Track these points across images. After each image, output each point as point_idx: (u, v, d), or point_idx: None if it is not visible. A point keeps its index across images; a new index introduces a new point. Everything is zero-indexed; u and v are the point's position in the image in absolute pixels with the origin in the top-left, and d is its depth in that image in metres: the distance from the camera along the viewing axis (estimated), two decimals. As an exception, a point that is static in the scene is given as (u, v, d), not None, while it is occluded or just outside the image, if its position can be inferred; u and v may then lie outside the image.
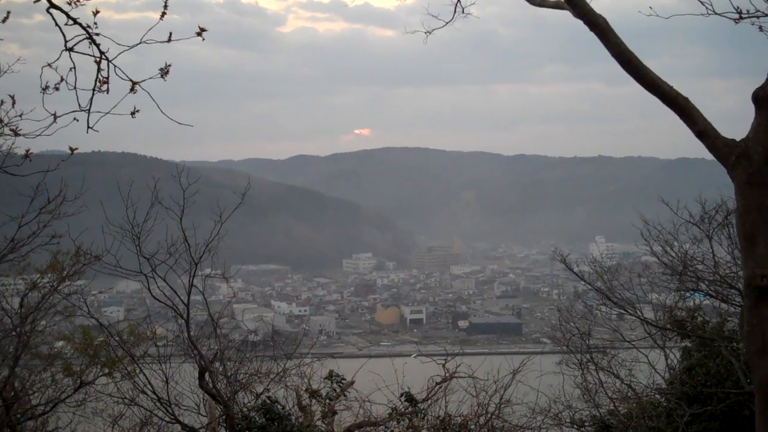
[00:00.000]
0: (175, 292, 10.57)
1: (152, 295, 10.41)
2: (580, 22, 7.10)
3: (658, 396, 14.70)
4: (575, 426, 14.53)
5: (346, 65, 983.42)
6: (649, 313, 15.98)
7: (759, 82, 6.58)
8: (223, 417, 10.76)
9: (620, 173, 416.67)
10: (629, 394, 14.74)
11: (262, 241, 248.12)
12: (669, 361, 15.37)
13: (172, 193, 10.75)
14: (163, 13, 6.03)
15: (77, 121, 6.19)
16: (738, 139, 6.71)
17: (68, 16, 5.96)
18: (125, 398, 11.69)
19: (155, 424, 12.03)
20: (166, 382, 11.03)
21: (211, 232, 10.56)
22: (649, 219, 15.82)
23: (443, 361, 12.32)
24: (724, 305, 14.75)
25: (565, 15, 7.38)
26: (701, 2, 7.29)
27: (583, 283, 16.36)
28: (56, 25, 5.97)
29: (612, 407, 14.45)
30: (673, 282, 15.43)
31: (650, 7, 7.77)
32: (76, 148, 6.65)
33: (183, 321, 10.55)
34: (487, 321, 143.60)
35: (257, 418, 10.77)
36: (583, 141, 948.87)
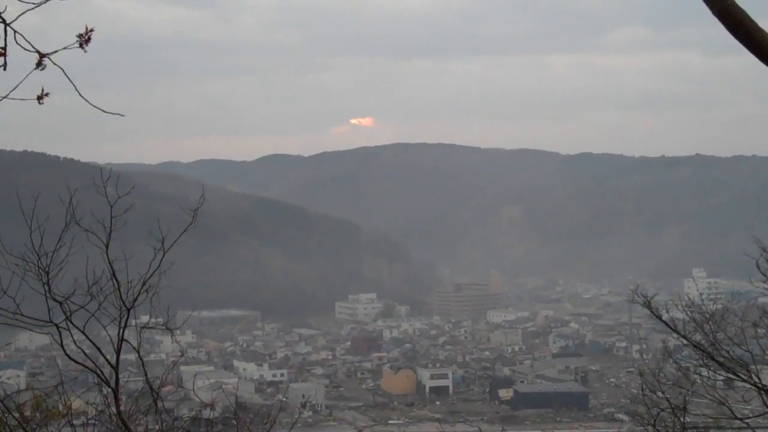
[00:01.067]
0: (99, 350, 10.58)
1: (66, 353, 10.42)
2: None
3: None
4: None
5: (338, 29, 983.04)
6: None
7: None
8: None
9: (727, 179, 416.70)
10: None
11: (221, 277, 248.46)
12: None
13: (94, 208, 10.76)
14: None
15: None
16: None
17: None
18: None
19: None
20: None
21: (150, 263, 10.57)
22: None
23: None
24: None
25: None
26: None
27: (675, 336, 16.33)
28: None
29: None
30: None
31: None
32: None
33: (110, 390, 10.55)
34: (540, 389, 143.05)
35: None
36: (675, 134, 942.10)
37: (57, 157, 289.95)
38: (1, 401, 11.46)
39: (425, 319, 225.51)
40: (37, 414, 12.50)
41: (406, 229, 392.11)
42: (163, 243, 10.61)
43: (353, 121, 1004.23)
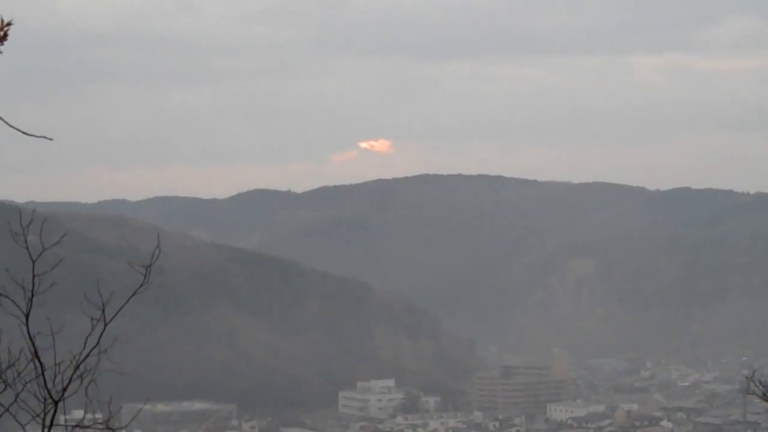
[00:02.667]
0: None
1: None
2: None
3: None
4: None
5: (343, 22, 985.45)
6: None
7: None
8: None
9: None
10: None
11: (182, 357, 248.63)
12: None
13: (10, 263, 10.84)
14: None
15: None
16: None
17: None
18: None
19: None
20: None
21: (86, 340, 10.62)
22: None
23: None
24: None
25: None
26: None
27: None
28: None
29: None
30: None
31: None
32: None
33: None
34: None
35: None
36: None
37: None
38: None
39: (462, 416, 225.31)
40: None
41: (436, 291, 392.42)
42: (103, 311, 10.68)
43: (363, 144, 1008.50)
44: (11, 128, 6.58)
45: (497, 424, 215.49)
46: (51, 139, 7.07)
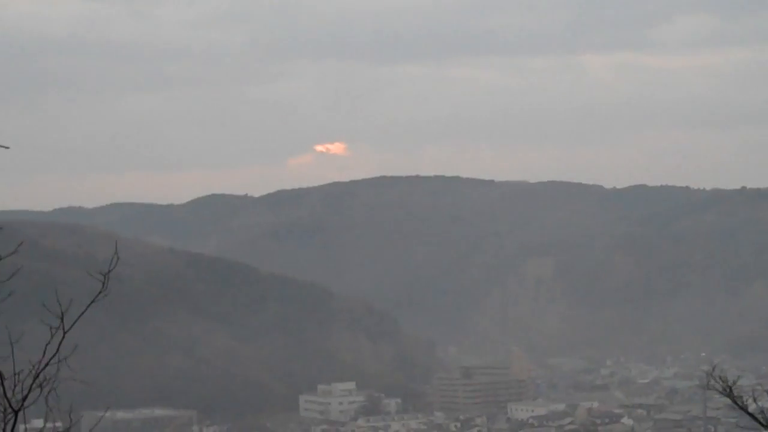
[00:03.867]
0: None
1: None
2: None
3: None
4: None
5: (297, 25, 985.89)
6: None
7: None
8: None
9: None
10: None
11: (142, 365, 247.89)
12: None
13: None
14: None
15: None
16: None
17: None
18: None
19: None
20: None
21: (45, 348, 10.58)
22: None
23: None
24: None
25: None
26: None
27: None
28: None
29: None
30: None
31: None
32: None
33: None
34: None
35: None
36: (758, 160, 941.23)
37: None
38: None
39: (423, 417, 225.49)
40: None
41: (395, 293, 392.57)
42: (62, 319, 10.63)
43: (319, 147, 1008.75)
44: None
45: (458, 424, 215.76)
46: (7, 148, 7.01)
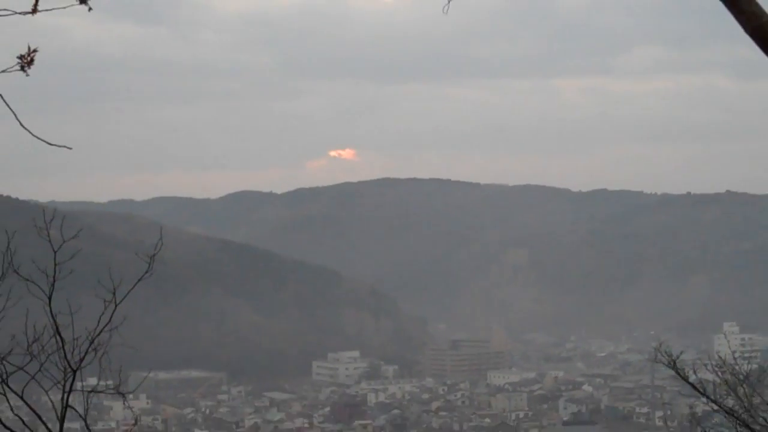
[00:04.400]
0: (40, 418, 10.58)
1: (1, 422, 10.40)
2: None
3: None
4: None
5: (316, 49, 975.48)
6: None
7: None
8: None
9: (763, 219, 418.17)
10: None
11: (180, 333, 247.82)
12: None
13: (35, 254, 10.78)
14: None
15: None
16: None
17: None
18: None
19: None
20: None
21: (100, 318, 10.57)
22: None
23: None
24: None
25: None
26: None
27: (704, 400, 16.34)
28: None
29: None
30: None
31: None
32: None
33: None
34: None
35: None
36: (700, 169, 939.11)
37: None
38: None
39: (416, 381, 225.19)
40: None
41: (395, 278, 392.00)
42: (114, 294, 10.63)
43: (332, 153, 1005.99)
44: (37, 138, 6.50)
45: (446, 388, 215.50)
46: (70, 149, 6.99)
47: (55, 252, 10.50)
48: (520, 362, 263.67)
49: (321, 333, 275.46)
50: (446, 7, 8.51)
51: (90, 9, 6.21)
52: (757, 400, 16.01)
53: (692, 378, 16.51)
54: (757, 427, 15.41)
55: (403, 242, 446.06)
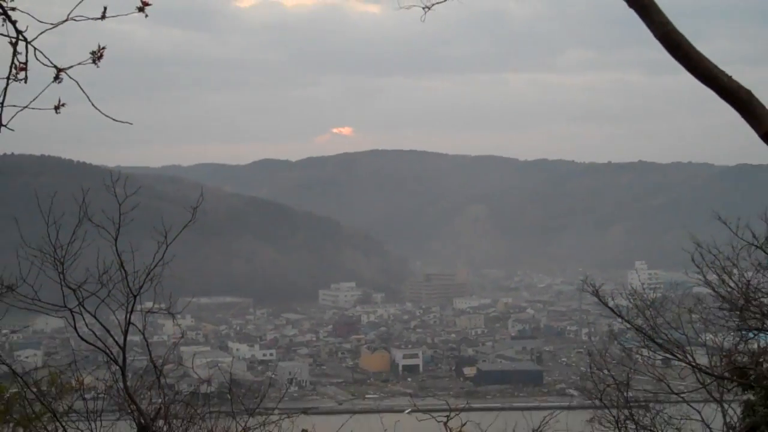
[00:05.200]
0: (108, 332, 10.57)
1: (79, 335, 10.40)
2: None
3: None
4: None
5: (321, 49, 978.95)
6: (702, 359, 15.99)
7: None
8: None
9: (666, 183, 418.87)
10: None
11: (217, 268, 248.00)
12: (727, 419, 15.40)
13: (104, 206, 10.74)
14: None
15: None
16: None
17: None
18: None
19: None
20: None
21: (154, 256, 10.55)
22: (702, 240, 15.87)
23: (445, 419, 12.29)
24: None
25: None
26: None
27: (619, 320, 16.37)
28: None
29: None
30: (732, 319, 15.46)
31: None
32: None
33: (118, 368, 10.52)
34: (500, 368, 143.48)
35: None
36: (618, 143, 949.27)
37: (71, 161, 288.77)
38: (20, 377, 11.44)
39: (399, 306, 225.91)
40: (53, 389, 12.49)
41: (382, 226, 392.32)
42: (165, 237, 10.62)
43: (335, 130, 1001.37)
44: (105, 116, 6.45)
45: (421, 311, 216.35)
46: (131, 124, 6.94)
47: (119, 205, 10.49)
48: (478, 291, 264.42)
49: (325, 268, 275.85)
50: (423, 17, 8.55)
51: (146, 16, 6.19)
52: (659, 321, 16.04)
53: (610, 303, 16.53)
54: (659, 341, 15.47)
55: (389, 199, 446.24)
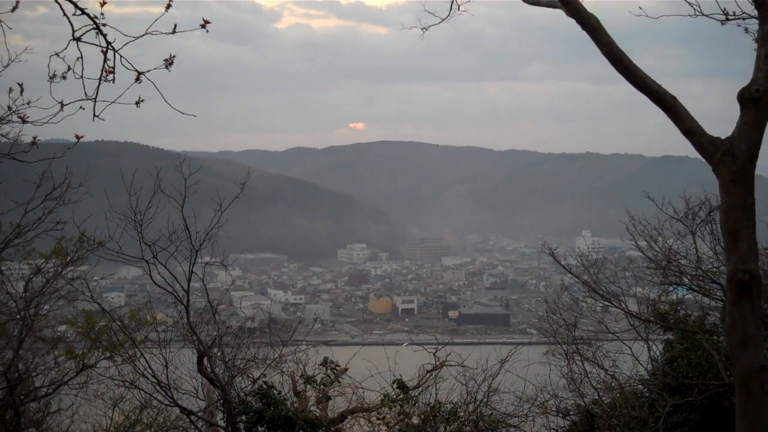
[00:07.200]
0: (176, 279, 10.61)
1: (153, 281, 10.44)
2: (563, 24, 7.17)
3: (641, 386, 14.78)
4: (561, 415, 14.61)
5: (340, 62, 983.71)
6: (633, 306, 16.04)
7: (741, 84, 6.64)
8: (221, 401, 10.80)
9: (608, 169, 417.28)
10: (613, 385, 14.82)
11: (259, 231, 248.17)
12: (652, 353, 15.46)
13: (173, 182, 10.77)
14: (168, 5, 6.10)
15: (83, 109, 6.22)
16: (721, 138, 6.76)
17: (76, 6, 6.00)
18: (126, 381, 11.74)
19: (154, 407, 12.09)
20: (166, 367, 11.08)
21: (211, 220, 10.59)
22: (634, 215, 15.87)
23: (434, 350, 12.37)
24: (705, 299, 14.83)
25: (550, 16, 7.43)
26: (689, 3, 7.34)
27: (569, 275, 16.39)
28: (64, 14, 5.99)
29: (596, 397, 14.53)
30: (656, 276, 15.48)
31: (640, 8, 7.83)
32: (82, 136, 6.70)
33: (183, 307, 10.57)
34: (477, 312, 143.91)
35: (254, 403, 10.80)
36: (571, 138, 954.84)
37: (147, 146, 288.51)
38: (108, 313, 11.51)
39: (399, 262, 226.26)
40: (133, 322, 12.55)
41: (387, 200, 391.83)
42: (221, 206, 10.66)
43: (350, 125, 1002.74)
44: (175, 110, 6.48)
45: (416, 266, 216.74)
46: (194, 116, 6.98)
47: (185, 180, 10.50)
48: (461, 252, 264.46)
49: (342, 232, 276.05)
50: (422, 36, 8.59)
51: (207, 31, 6.21)
52: (601, 276, 16.08)
53: (563, 262, 16.56)
54: (600, 292, 15.50)
55: (392, 179, 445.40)
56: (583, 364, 15.21)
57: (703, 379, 13.03)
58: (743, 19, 7.50)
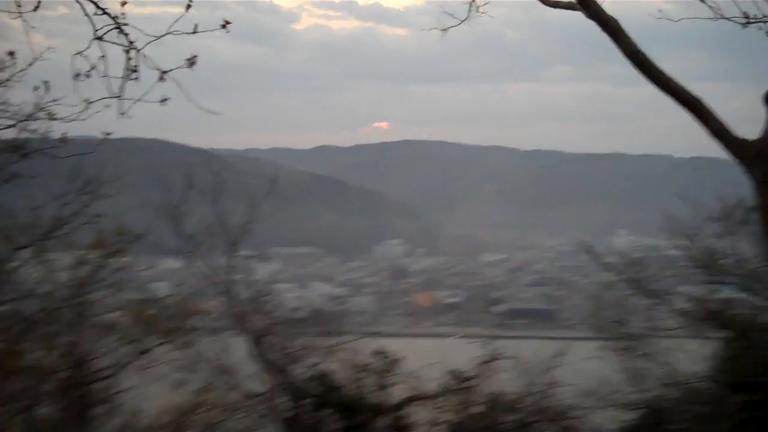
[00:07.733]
0: (215, 271, 10.85)
1: (194, 273, 10.68)
2: (582, 26, 7.22)
3: (704, 383, 14.80)
4: (626, 408, 14.72)
5: (360, 62, 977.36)
6: (679, 305, 16.09)
7: (764, 86, 6.73)
8: (281, 385, 11.02)
9: (636, 169, 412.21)
10: (675, 380, 14.85)
11: (292, 226, 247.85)
12: (707, 351, 15.44)
13: (202, 178, 11.00)
14: (189, 5, 6.20)
15: (108, 107, 6.39)
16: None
17: (97, 6, 6.12)
18: (189, 364, 12.07)
19: (215, 390, 12.43)
20: (223, 352, 11.35)
21: (246, 215, 10.80)
22: (670, 214, 15.90)
23: (485, 343, 12.54)
24: (752, 298, 14.88)
25: (568, 19, 7.50)
26: (710, 7, 7.43)
27: (611, 273, 16.44)
28: (86, 14, 6.12)
29: (659, 392, 14.58)
30: (698, 275, 15.55)
31: (660, 10, 7.91)
32: (110, 133, 6.94)
33: (228, 297, 10.79)
34: (522, 306, 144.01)
35: (312, 388, 11.03)
36: (597, 138, 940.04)
37: (175, 143, 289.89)
38: (160, 301, 11.85)
39: (437, 258, 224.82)
40: (183, 311, 12.87)
41: (417, 197, 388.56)
42: (255, 201, 10.87)
43: (375, 124, 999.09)
44: (198, 108, 6.80)
45: (455, 262, 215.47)
46: (218, 114, 7.26)
47: (217, 177, 10.74)
48: (497, 248, 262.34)
49: (373, 228, 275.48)
50: (441, 37, 8.76)
51: (228, 32, 6.44)
52: (643, 275, 16.15)
53: (604, 260, 16.61)
54: (648, 290, 15.57)
55: (417, 177, 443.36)
56: (639, 361, 15.30)
57: (764, 377, 13.10)
58: (764, 22, 7.58)
